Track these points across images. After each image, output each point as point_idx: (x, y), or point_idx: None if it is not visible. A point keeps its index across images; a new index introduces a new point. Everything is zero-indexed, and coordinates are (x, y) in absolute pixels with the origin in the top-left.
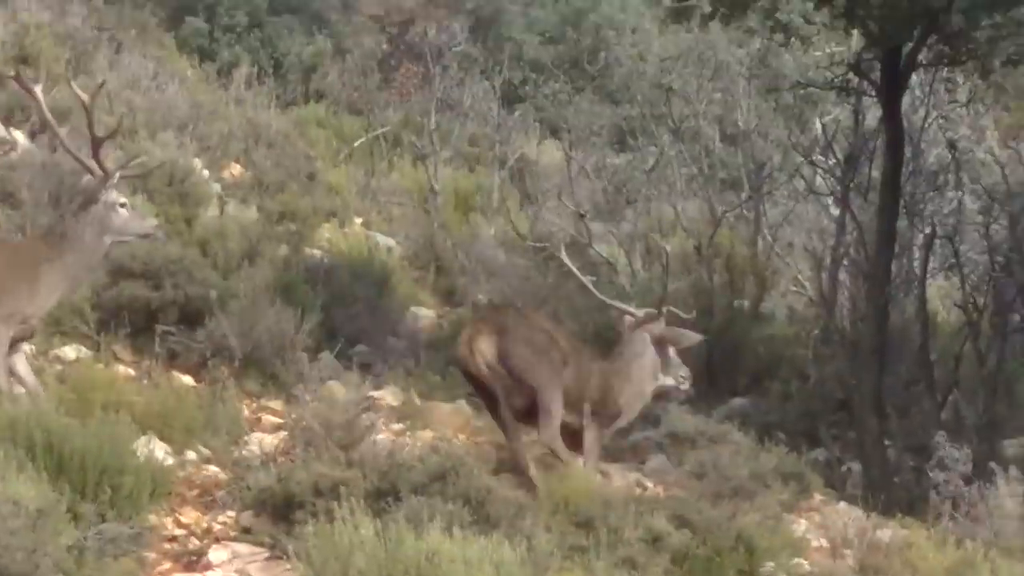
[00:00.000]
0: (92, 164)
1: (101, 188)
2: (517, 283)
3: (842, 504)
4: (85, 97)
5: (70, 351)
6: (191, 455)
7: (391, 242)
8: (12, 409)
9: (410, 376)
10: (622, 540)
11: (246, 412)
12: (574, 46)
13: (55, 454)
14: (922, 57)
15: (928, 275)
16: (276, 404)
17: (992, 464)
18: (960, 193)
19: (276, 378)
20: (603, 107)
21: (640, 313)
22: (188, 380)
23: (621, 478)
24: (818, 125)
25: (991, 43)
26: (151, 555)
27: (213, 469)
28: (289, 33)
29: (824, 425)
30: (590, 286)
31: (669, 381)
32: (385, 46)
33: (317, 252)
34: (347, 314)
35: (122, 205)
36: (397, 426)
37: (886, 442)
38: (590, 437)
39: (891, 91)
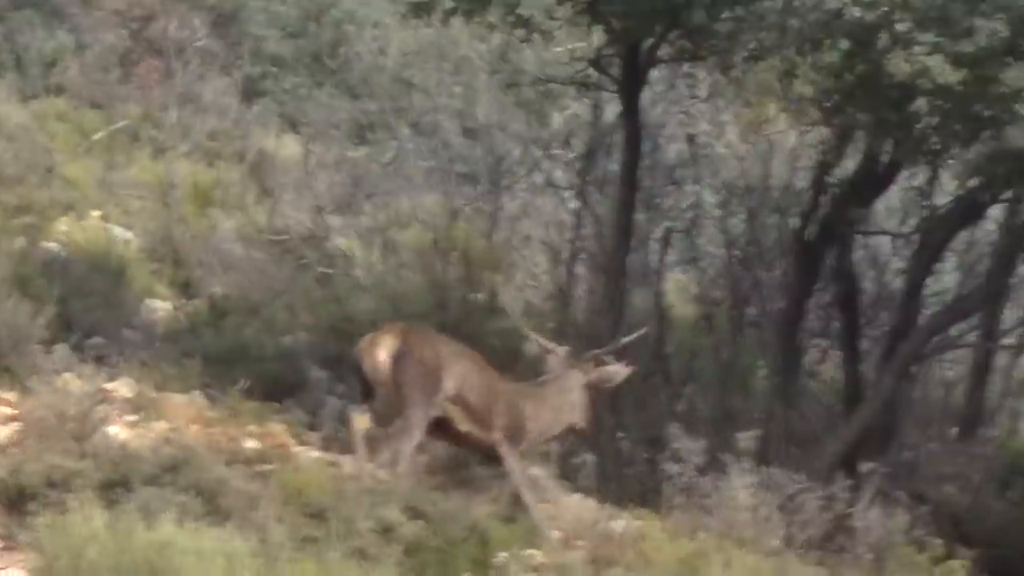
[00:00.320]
0: None
1: None
2: (255, 276)
3: (576, 495)
4: None
5: None
6: None
7: (129, 235)
8: None
9: (145, 367)
10: (354, 531)
11: None
12: (315, 41)
13: None
14: (663, 52)
15: (666, 269)
16: (10, 396)
17: (725, 456)
18: (699, 187)
19: (10, 370)
20: (343, 101)
21: (561, 352)
22: None
23: (354, 469)
24: (557, 119)
25: (732, 38)
26: None
27: None
28: (30, 27)
29: None
30: (517, 323)
31: (578, 422)
32: (127, 41)
33: (54, 245)
34: (83, 306)
35: None
36: (131, 417)
37: (620, 434)
38: (512, 463)
39: (631, 86)
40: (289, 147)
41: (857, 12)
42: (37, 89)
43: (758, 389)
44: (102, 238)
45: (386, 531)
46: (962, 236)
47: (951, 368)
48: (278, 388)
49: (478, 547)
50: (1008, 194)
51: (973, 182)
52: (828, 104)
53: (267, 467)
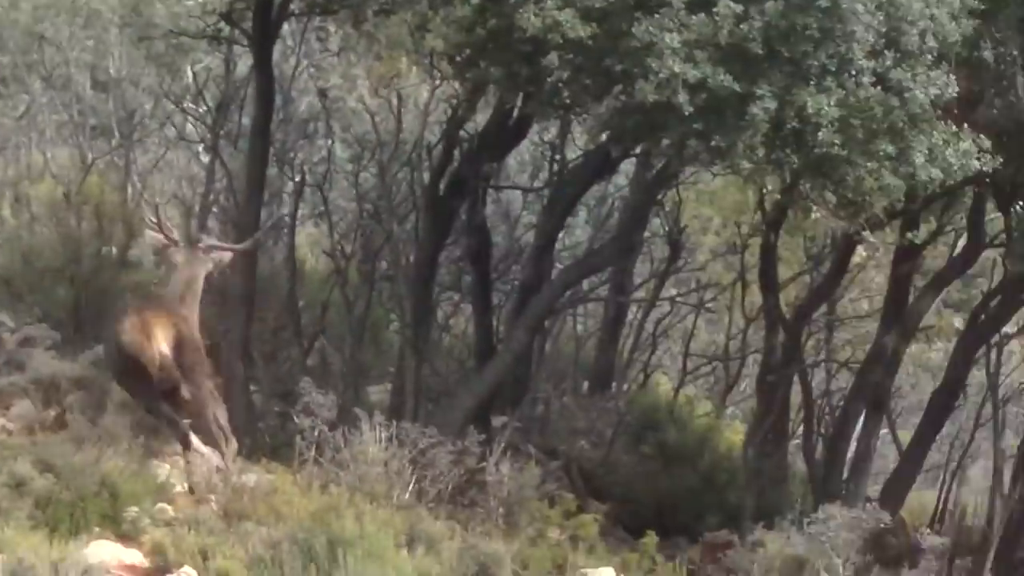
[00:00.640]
0: None
1: None
2: None
3: (206, 449)
4: None
5: None
6: None
7: None
8: None
9: None
10: None
11: None
12: None
13: None
14: (294, 6)
15: (298, 222)
16: None
17: (357, 410)
18: (330, 142)
19: None
20: None
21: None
22: None
23: None
24: (189, 73)
25: None
26: None
27: None
28: None
29: None
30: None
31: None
32: None
33: None
34: None
35: None
36: None
37: (252, 387)
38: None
39: (263, 40)
40: None
41: None
42: None
43: (391, 343)
44: None
45: (18, 485)
46: (594, 191)
47: (583, 322)
48: None
49: (109, 501)
50: (638, 149)
51: (604, 136)
52: (460, 58)
53: None
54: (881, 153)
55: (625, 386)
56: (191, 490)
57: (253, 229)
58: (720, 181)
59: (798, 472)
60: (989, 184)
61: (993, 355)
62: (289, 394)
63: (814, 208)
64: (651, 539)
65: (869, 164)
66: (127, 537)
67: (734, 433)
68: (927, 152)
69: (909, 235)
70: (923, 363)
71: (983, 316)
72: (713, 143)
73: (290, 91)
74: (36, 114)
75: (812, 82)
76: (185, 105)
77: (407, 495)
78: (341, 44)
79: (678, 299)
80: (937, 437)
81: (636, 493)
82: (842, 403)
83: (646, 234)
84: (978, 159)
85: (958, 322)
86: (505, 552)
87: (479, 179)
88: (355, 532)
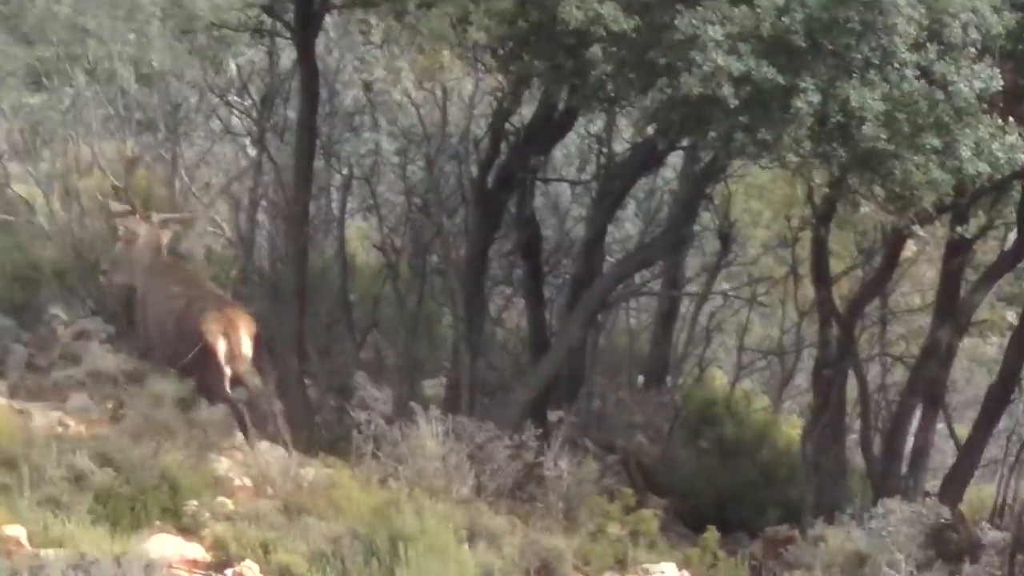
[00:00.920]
0: None
1: None
2: None
3: (265, 443)
4: None
5: None
6: None
7: None
8: None
9: None
10: (45, 479)
11: None
12: None
13: None
14: None
15: (347, 216)
16: None
17: (412, 404)
18: (377, 135)
19: None
20: (17, 48)
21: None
22: None
23: (43, 417)
24: (233, 66)
25: None
26: None
27: None
28: None
29: None
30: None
31: None
32: None
33: None
34: None
35: None
36: None
37: (307, 382)
38: None
39: (305, 33)
40: None
41: None
42: None
43: (444, 337)
44: None
45: (77, 479)
46: (642, 184)
47: (636, 316)
48: None
49: (169, 495)
50: (685, 142)
51: (650, 130)
52: (503, 51)
53: None
54: (927, 147)
55: (680, 380)
56: (251, 484)
57: (302, 222)
58: (769, 174)
59: (856, 467)
60: None
61: None
62: (344, 388)
63: (863, 202)
64: (712, 534)
65: (916, 158)
66: (188, 531)
67: (791, 427)
68: (974, 146)
69: (959, 229)
70: (977, 357)
71: None
72: (759, 136)
73: (335, 84)
74: (82, 108)
75: (855, 75)
76: (230, 98)
77: (466, 490)
78: (384, 37)
79: (730, 293)
80: (994, 431)
81: (695, 488)
82: (898, 398)
83: (696, 228)
84: None
85: (1011, 316)
86: (566, 547)
87: (527, 172)
88: (416, 527)
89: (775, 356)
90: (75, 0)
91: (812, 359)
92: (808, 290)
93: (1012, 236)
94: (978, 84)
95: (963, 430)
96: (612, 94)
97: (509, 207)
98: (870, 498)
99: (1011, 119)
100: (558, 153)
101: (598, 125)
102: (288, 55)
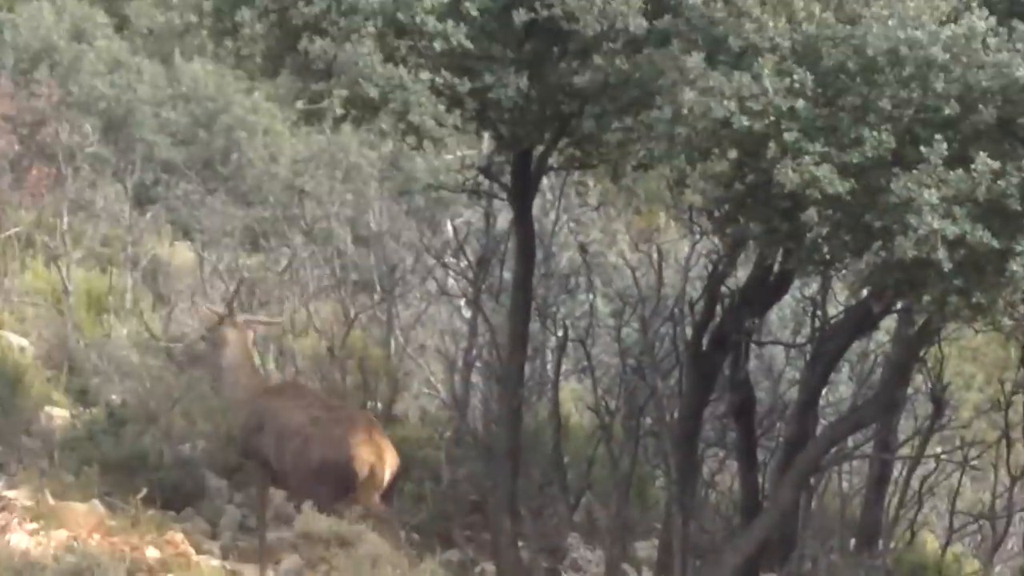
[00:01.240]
0: None
1: None
2: (152, 384)
3: None
4: None
5: None
6: None
7: (24, 342)
8: None
9: (44, 476)
10: None
11: None
12: (206, 147)
13: None
14: (553, 160)
15: (561, 377)
16: None
17: (624, 566)
18: (592, 296)
19: None
20: (235, 208)
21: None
22: None
23: None
24: (450, 227)
25: (622, 147)
26: None
27: None
28: None
29: (458, 526)
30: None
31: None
32: (17, 147)
33: None
34: None
35: None
36: (31, 526)
37: (520, 543)
38: None
39: (522, 194)
40: (183, 254)
41: (745, 121)
42: None
43: (656, 499)
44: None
45: None
46: (856, 347)
47: (848, 479)
48: (177, 497)
49: None
50: (900, 304)
51: (864, 292)
52: (719, 213)
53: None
54: None
55: (892, 544)
56: None
57: (516, 383)
58: (982, 337)
59: None
60: None
61: None
62: (557, 550)
63: None
64: None
65: None
66: None
67: None
68: None
69: None
70: None
71: None
72: (973, 300)
73: (551, 245)
74: (298, 268)
75: None
76: (446, 259)
77: None
78: (600, 199)
79: (943, 456)
80: None
81: None
82: None
83: (909, 391)
84: None
85: None
86: None
87: (741, 334)
88: None
89: (987, 520)
90: (293, 161)
91: None
92: (1020, 454)
93: None
94: None
95: None
96: (827, 257)
97: (723, 369)
98: None
99: None
100: (773, 315)
101: (813, 288)
102: (504, 216)
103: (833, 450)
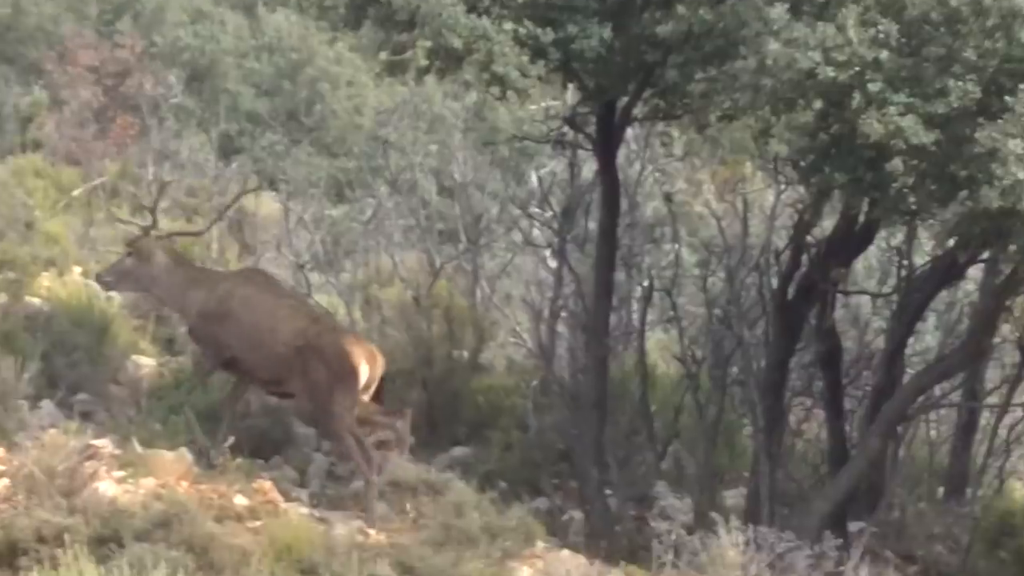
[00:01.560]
0: None
1: None
2: None
3: (565, 552)
4: None
5: None
6: None
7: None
8: None
9: (132, 424)
10: None
11: None
12: (290, 98)
13: None
14: (637, 111)
15: (647, 327)
16: None
17: (712, 514)
18: (677, 246)
19: None
20: (320, 159)
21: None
22: None
23: (344, 526)
24: (534, 178)
25: (705, 98)
26: None
27: None
28: (5, 83)
29: (545, 474)
30: None
31: None
32: (101, 98)
33: (36, 300)
34: (67, 362)
35: None
36: (119, 473)
37: (607, 491)
38: None
39: (606, 144)
40: (268, 205)
41: (830, 72)
42: (13, 145)
43: (744, 448)
44: (84, 294)
45: None
46: (942, 296)
47: (936, 428)
48: (265, 445)
49: None
50: (986, 254)
51: (950, 242)
52: (803, 164)
53: (257, 523)
54: None
55: (979, 492)
56: None
57: (602, 333)
58: None
59: None
60: None
61: None
62: (644, 498)
63: None
64: None
65: None
66: None
67: None
68: None
69: None
70: None
71: None
72: None
73: (635, 195)
74: (383, 218)
75: None
76: (531, 210)
77: None
78: (685, 149)
79: None
80: None
81: None
82: None
83: (996, 339)
84: None
85: None
86: None
87: (827, 284)
88: None
89: None
90: (376, 112)
91: None
92: None
93: None
94: None
95: None
96: (913, 207)
97: (809, 319)
98: None
99: None
100: (859, 265)
101: (898, 238)
102: (589, 166)
103: (920, 399)
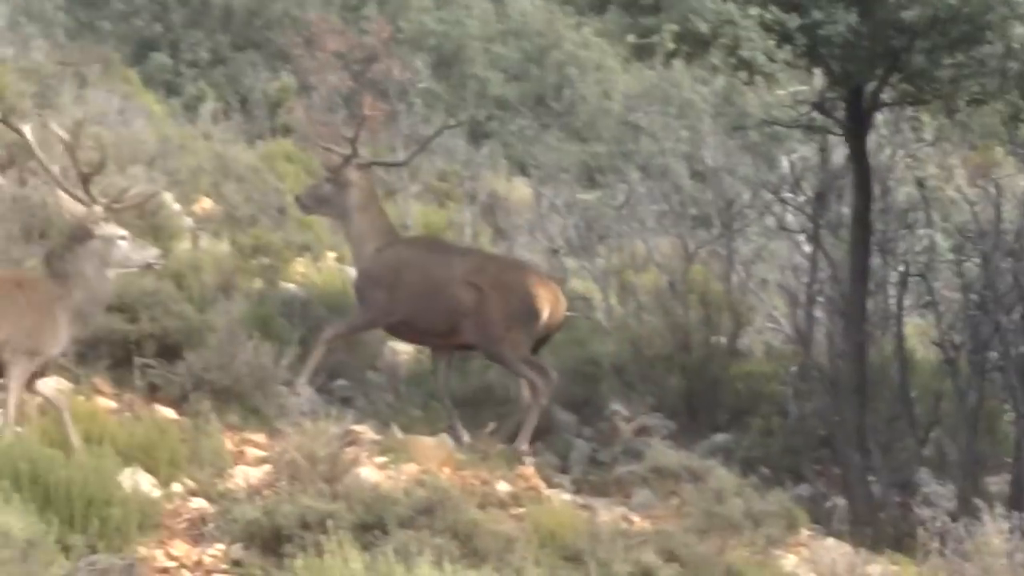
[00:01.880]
0: (85, 198)
1: (95, 222)
2: None
3: (829, 540)
4: (65, 135)
5: (49, 383)
6: (176, 487)
7: None
8: None
9: (391, 410)
10: (611, 574)
11: (229, 445)
12: (538, 83)
13: (40, 485)
14: (886, 96)
15: (904, 313)
16: (259, 437)
17: (977, 501)
18: (931, 231)
19: (258, 411)
20: (570, 144)
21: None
22: (170, 413)
23: (607, 512)
24: (785, 163)
25: (954, 83)
26: None
27: (199, 502)
28: (253, 69)
29: (807, 461)
30: None
31: None
32: (349, 83)
33: (292, 286)
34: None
35: (122, 237)
36: (380, 459)
37: (870, 478)
38: None
39: (856, 130)
40: (519, 190)
41: None
42: (263, 130)
43: (1006, 434)
44: (339, 279)
45: (644, 575)
46: None
47: None
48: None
49: None
50: None
51: None
52: None
53: (520, 510)
54: None
55: None
56: None
57: (860, 318)
58: None
59: None
60: None
61: None
62: (907, 484)
63: None
64: None
65: None
66: None
67: None
68: None
69: None
70: None
71: None
72: None
73: (887, 180)
74: (636, 203)
75: None
76: (783, 194)
77: None
78: (935, 134)
79: None
80: None
81: None
82: None
83: None
84: None
85: None
86: None
87: None
88: None
89: None
90: (625, 97)
91: None
92: None
93: None
94: None
95: None
96: None
97: None
98: None
99: None
100: None
101: None
102: (840, 151)
103: None
